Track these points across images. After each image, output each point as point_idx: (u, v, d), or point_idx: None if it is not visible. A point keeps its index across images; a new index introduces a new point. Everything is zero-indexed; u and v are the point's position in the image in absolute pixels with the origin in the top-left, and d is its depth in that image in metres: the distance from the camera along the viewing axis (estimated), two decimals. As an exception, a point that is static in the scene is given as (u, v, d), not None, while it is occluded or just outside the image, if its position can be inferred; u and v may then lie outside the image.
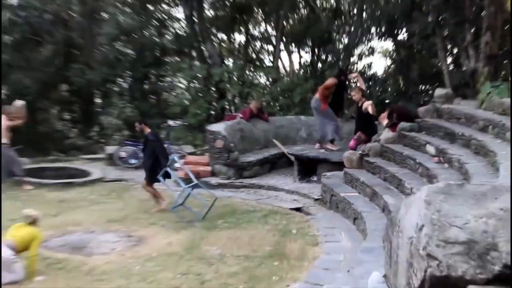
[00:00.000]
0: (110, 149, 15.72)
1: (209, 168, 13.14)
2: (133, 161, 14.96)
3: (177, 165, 14.46)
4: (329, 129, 13.14)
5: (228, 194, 11.96)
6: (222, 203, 10.94)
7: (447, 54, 16.34)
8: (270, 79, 19.99)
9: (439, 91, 11.62)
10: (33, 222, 7.25)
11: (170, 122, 20.55)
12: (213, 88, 19.41)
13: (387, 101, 17.03)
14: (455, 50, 16.95)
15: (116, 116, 17.96)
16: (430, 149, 9.73)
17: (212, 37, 21.14)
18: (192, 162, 13.57)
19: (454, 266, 4.21)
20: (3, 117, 12.30)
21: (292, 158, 13.05)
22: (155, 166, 10.53)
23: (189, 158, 13.95)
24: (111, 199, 11.49)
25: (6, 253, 6.82)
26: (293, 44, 23.17)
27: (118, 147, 15.50)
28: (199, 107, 18.46)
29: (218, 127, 13.43)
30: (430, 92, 16.90)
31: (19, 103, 13.10)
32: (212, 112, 19.37)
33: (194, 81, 20.72)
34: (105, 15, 20.76)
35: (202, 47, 20.42)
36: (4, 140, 12.12)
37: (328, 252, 7.93)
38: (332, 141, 13.19)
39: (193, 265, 7.47)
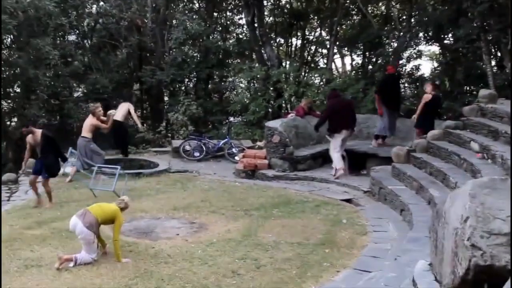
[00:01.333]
0: (176, 142, 15.91)
1: (266, 161, 13.14)
2: (196, 154, 15.11)
3: (236, 158, 14.59)
4: (380, 125, 13.12)
5: (283, 185, 11.95)
6: (277, 194, 10.95)
7: (491, 57, 15.85)
8: (324, 80, 19.82)
9: (483, 92, 11.31)
10: (124, 207, 7.36)
11: (231, 119, 20.68)
12: (271, 88, 19.36)
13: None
14: (499, 54, 16.46)
15: (182, 112, 18.10)
16: (474, 145, 9.54)
17: (271, 41, 21.11)
18: (250, 155, 13.60)
19: (498, 256, 4.08)
20: (90, 116, 12.80)
21: (344, 153, 12.94)
22: (56, 161, 10.09)
23: (247, 152, 13.98)
24: (175, 189, 11.63)
25: (87, 233, 6.93)
26: (345, 48, 22.99)
27: (183, 141, 15.66)
28: (258, 105, 18.45)
29: (275, 123, 13.42)
30: (475, 92, 16.45)
31: (111, 112, 13.43)
32: (270, 110, 19.30)
33: (254, 81, 20.76)
34: (174, 22, 21.02)
35: (262, 50, 20.43)
36: (86, 135, 12.54)
37: (376, 241, 7.82)
38: (383, 138, 13.06)
39: (250, 251, 7.48)
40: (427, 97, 12.03)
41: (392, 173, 10.78)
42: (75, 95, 20.31)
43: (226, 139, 15.48)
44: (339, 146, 12.02)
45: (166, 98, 21.81)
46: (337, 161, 11.99)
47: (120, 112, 14.63)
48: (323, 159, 13.53)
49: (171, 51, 20.77)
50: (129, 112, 15.01)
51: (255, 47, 20.54)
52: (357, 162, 12.60)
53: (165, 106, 20.97)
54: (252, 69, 19.44)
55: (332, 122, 12.03)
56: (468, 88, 17.30)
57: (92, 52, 20.68)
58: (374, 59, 20.48)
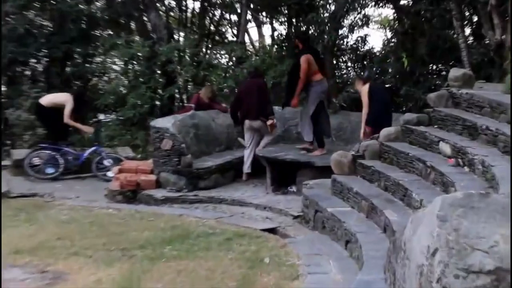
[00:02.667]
0: (18, 153, 15.47)
1: (153, 177, 13.05)
2: (50, 169, 14.76)
3: (109, 174, 14.35)
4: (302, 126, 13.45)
5: (179, 211, 11.86)
6: (170, 224, 10.84)
7: (465, 23, 16.38)
8: (234, 59, 19.91)
9: (455, 72, 11.63)
10: None
11: (101, 117, 20.36)
12: (158, 71, 19.25)
13: (387, 85, 17.04)
14: (475, 18, 17.02)
15: (27, 109, 17.67)
16: (445, 148, 9.74)
17: (157, 4, 20.99)
18: (130, 169, 13.44)
19: (479, 305, 4.16)
20: None
21: (263, 162, 12.99)
22: None
23: (126, 164, 13.79)
24: (18, 222, 11.26)
25: None
26: (263, 13, 23.11)
27: (29, 152, 15.24)
28: (140, 97, 18.32)
29: (165, 122, 13.39)
30: (444, 73, 16.92)
31: None
32: (157, 103, 19.21)
33: (133, 61, 20.51)
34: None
35: (144, 17, 20.26)
36: None
37: (313, 288, 7.86)
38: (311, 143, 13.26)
39: (130, 310, 7.34)
40: (364, 88, 12.49)
41: (332, 190, 10.89)
42: None
43: (94, 147, 15.22)
44: (249, 144, 13.05)
45: (2, 88, 21.20)
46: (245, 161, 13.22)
47: None
48: (236, 171, 13.55)
49: (7, 18, 20.20)
50: None
51: (134, 13, 20.34)
52: (283, 175, 12.68)
53: (0, 100, 20.37)
54: (131, 45, 19.24)
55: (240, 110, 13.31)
56: (434, 67, 17.80)
57: None
58: (303, 28, 20.75)
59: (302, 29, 20.60)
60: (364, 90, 12.53)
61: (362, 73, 14.47)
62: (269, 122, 13.62)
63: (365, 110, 12.51)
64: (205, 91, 15.16)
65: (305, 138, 13.27)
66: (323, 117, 13.22)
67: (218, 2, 23.25)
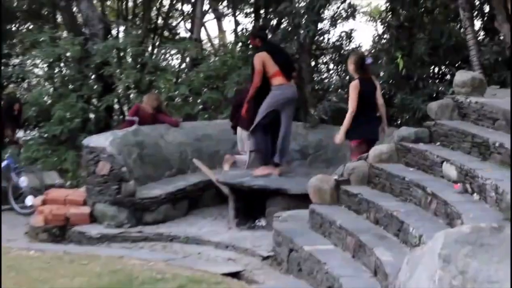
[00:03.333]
0: None
1: (86, 210, 13.00)
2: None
3: (28, 202, 14.29)
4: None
5: (120, 252, 11.80)
6: (108, 268, 10.78)
7: (475, 14, 16.48)
8: (188, 59, 19.92)
9: (461, 76, 11.64)
10: None
11: (20, 134, 20.19)
12: (92, 76, 19.18)
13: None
14: (486, 8, 17.12)
15: None
16: (450, 170, 9.75)
17: (89, -9, 21.02)
18: (57, 200, 13.34)
19: None
20: None
21: (226, 189, 13.02)
22: None
23: (51, 194, 13.69)
24: None
25: None
26: (224, 3, 23.14)
27: None
28: (69, 108, 18.23)
29: (101, 140, 13.32)
30: (448, 77, 16.99)
31: None
32: (92, 116, 19.12)
33: (60, 64, 20.44)
34: None
35: (73, 8, 20.18)
36: None
37: None
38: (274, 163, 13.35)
39: None
40: (355, 84, 12.43)
41: (310, 223, 10.91)
42: None
43: (10, 167, 15.15)
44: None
45: None
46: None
47: None
48: (190, 201, 13.54)
49: None
50: None
51: (61, 2, 20.27)
52: (250, 205, 12.72)
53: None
54: (57, 42, 19.17)
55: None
56: (436, 70, 17.86)
57: None
58: (274, 23, 20.82)
59: (272, 23, 20.66)
60: (354, 85, 12.44)
61: (365, 57, 14.35)
62: None
63: (350, 112, 12.34)
64: (148, 99, 15.05)
65: (250, 148, 13.48)
66: (280, 132, 13.32)
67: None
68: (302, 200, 11.50)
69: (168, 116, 15.43)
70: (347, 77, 17.94)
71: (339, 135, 12.34)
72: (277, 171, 13.08)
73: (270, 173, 12.95)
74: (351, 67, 12.64)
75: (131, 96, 19.06)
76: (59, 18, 21.72)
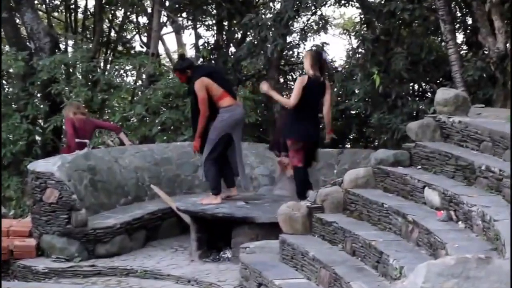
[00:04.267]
0: None
1: (32, 242, 12.81)
2: None
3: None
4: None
5: (69, 288, 11.69)
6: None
7: (457, 27, 16.55)
8: (144, 76, 19.87)
9: (443, 93, 11.68)
10: None
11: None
12: (38, 94, 19.07)
13: (352, 111, 17.14)
14: (469, 20, 17.21)
15: None
16: (432, 195, 9.79)
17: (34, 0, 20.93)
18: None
19: None
20: None
21: (187, 218, 12.95)
22: None
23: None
24: None
25: None
26: (184, 14, 23.14)
27: None
28: (12, 129, 18.09)
29: (48, 165, 13.12)
30: (429, 94, 17.05)
31: None
32: (38, 138, 19.01)
33: (3, 80, 20.28)
34: None
35: (16, 18, 20.09)
36: None
37: None
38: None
39: None
40: (301, 79, 12.66)
41: (281, 255, 10.85)
42: None
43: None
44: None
45: None
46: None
47: None
48: (148, 231, 13.45)
49: None
50: None
51: (2, 13, 20.17)
52: (214, 235, 12.67)
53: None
54: (-3, 57, 19.10)
55: None
56: (415, 87, 17.94)
57: None
58: (238, 35, 20.83)
59: (236, 35, 20.64)
60: (300, 79, 12.71)
61: (322, 53, 14.42)
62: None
63: (287, 101, 12.77)
64: (69, 109, 14.91)
65: (203, 178, 13.38)
66: (233, 156, 13.33)
67: (122, -1, 23.25)
68: (271, 229, 11.48)
69: (102, 121, 15.22)
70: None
71: (271, 92, 13.15)
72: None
73: (219, 202, 12.88)
74: (306, 62, 12.88)
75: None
76: (0, 31, 21.56)
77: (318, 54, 13.20)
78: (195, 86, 12.85)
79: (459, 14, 17.17)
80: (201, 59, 20.56)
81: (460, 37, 17.16)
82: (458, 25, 17.02)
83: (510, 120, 9.58)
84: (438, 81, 16.37)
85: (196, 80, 12.87)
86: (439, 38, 16.51)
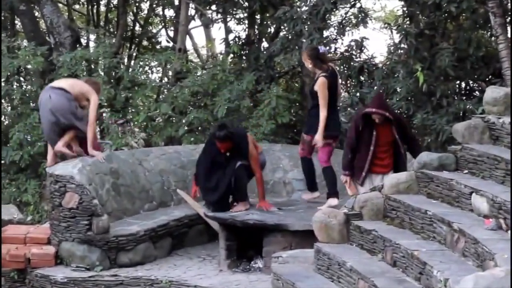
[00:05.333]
0: None
1: (51, 250, 12.90)
2: None
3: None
4: None
5: (89, 300, 11.79)
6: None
7: (508, 20, 16.46)
8: (170, 73, 19.92)
9: (493, 92, 11.59)
10: None
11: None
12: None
13: (396, 110, 17.16)
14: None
15: None
16: (480, 202, 9.72)
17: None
18: (16, 238, 13.26)
19: None
20: None
21: (215, 225, 13.00)
22: None
23: (9, 231, 13.62)
24: None
25: None
26: (213, 8, 23.15)
27: None
28: (29, 129, 18.18)
29: (68, 168, 13.17)
30: (476, 93, 16.98)
31: None
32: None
33: (20, 77, 20.40)
34: None
35: (36, 11, 20.17)
36: None
37: None
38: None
39: None
40: (323, 82, 12.71)
41: (316, 265, 10.83)
42: None
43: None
44: None
45: None
46: None
47: None
48: (174, 239, 13.49)
49: None
50: None
51: (20, 5, 20.29)
52: (244, 244, 12.72)
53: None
54: (16, 53, 19.18)
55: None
56: (463, 85, 17.85)
57: None
58: (271, 29, 20.82)
59: (269, 29, 20.60)
60: (322, 83, 12.74)
61: (317, 47, 14.44)
62: None
63: (324, 117, 12.67)
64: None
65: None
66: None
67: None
68: (305, 237, 11.50)
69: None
70: (358, 94, 17.91)
71: (318, 137, 12.71)
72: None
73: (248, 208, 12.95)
74: (308, 63, 13.04)
75: (104, 115, 19.04)
76: (18, 25, 21.68)
77: (313, 50, 13.30)
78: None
79: (510, 7, 17.03)
80: (231, 55, 20.60)
81: (512, 30, 17.07)
82: (509, 18, 16.90)
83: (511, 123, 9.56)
84: (487, 79, 16.22)
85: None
86: (489, 33, 16.39)
